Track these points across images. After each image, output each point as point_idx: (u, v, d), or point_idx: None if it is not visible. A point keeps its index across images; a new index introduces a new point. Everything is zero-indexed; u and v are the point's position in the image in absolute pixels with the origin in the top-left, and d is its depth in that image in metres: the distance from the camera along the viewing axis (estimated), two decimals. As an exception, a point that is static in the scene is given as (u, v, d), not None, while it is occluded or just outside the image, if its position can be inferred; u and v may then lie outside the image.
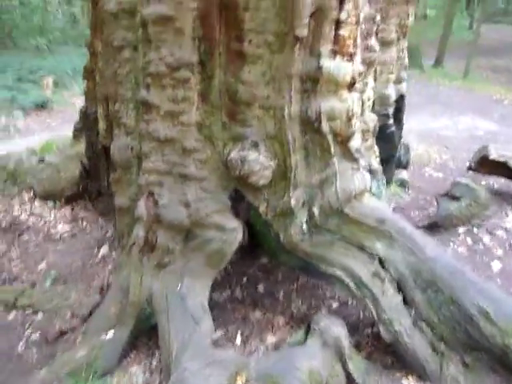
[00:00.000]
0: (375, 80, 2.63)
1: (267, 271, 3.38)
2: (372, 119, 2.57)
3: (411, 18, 2.71)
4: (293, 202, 2.39)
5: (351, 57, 2.31)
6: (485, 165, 4.22)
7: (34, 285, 3.02)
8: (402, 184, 4.43)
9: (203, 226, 2.40)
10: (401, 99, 3.01)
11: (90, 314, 2.60)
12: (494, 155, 4.06)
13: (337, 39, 2.26)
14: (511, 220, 3.92)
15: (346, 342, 2.18)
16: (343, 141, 2.39)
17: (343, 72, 2.28)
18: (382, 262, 2.32)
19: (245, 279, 3.31)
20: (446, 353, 2.12)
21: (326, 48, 2.25)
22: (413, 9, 2.82)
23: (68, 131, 4.65)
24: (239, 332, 2.72)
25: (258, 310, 2.97)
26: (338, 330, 2.18)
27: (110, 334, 2.34)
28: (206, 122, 2.42)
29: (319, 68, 2.24)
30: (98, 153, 3.25)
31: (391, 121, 2.98)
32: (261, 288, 3.20)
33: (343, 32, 2.25)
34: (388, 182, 3.36)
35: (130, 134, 2.64)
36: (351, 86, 2.32)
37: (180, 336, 2.16)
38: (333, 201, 2.35)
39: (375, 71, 2.62)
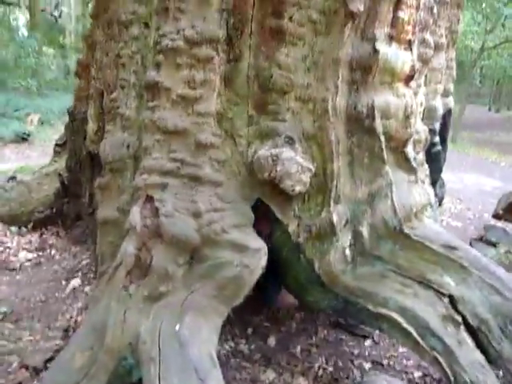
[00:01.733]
0: (425, 86, 2.26)
1: (277, 320, 2.73)
2: (424, 129, 2.13)
3: (461, 25, 2.43)
4: (334, 219, 1.84)
5: (409, 45, 1.91)
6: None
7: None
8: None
9: (217, 244, 1.80)
10: (448, 115, 2.63)
11: (47, 364, 1.87)
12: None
13: (395, 22, 1.87)
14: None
15: (415, 415, 1.53)
16: (398, 146, 1.91)
17: (402, 61, 1.87)
18: (454, 303, 1.74)
19: (250, 330, 2.63)
20: None
21: (381, 31, 1.86)
22: (462, 14, 2.55)
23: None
24: (249, 398, 2.02)
25: (270, 368, 2.28)
26: (405, 397, 1.54)
27: (72, 394, 1.62)
28: (227, 113, 1.92)
29: (374, 54, 1.83)
30: (82, 161, 2.68)
31: (437, 138, 2.56)
32: (272, 341, 2.53)
33: (403, 15, 1.87)
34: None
35: (127, 129, 2.11)
36: (410, 78, 1.90)
37: (177, 399, 1.47)
38: (388, 218, 1.81)
39: (426, 76, 2.25)
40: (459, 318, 1.70)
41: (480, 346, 1.67)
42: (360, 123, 1.88)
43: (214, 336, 1.74)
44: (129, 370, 1.76)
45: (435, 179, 2.59)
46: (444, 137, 2.65)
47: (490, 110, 26.58)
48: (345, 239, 1.88)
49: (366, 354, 2.47)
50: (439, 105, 2.51)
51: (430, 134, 2.35)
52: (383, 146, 1.87)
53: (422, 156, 2.18)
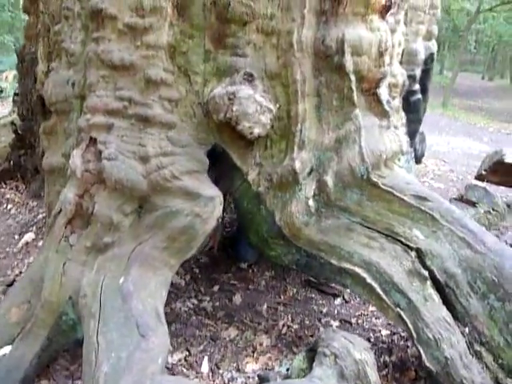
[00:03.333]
0: (406, 25, 2.05)
1: (246, 278, 2.62)
2: (401, 73, 1.94)
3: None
4: (297, 167, 1.68)
5: (387, -28, 1.69)
6: (498, 171, 3.69)
7: None
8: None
9: (167, 191, 1.63)
10: (430, 60, 2.42)
11: (-14, 319, 1.73)
12: (510, 159, 3.53)
13: None
14: (532, 234, 3.34)
15: (373, 372, 1.43)
16: (370, 87, 1.73)
17: (377, -11, 1.65)
18: (421, 257, 1.62)
19: (216, 287, 2.52)
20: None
21: (355, -47, 1.63)
22: None
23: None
24: (207, 355, 1.92)
25: (233, 326, 2.18)
26: (363, 355, 1.43)
27: (5, 350, 1.49)
28: (181, 47, 1.71)
29: (345, -21, 1.61)
30: (34, 107, 2.45)
31: (417, 86, 2.37)
32: (237, 299, 2.42)
33: None
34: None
35: (73, 66, 1.88)
36: (386, 10, 1.69)
37: (114, 356, 1.35)
38: (355, 165, 1.65)
39: (406, 14, 2.03)
40: (426, 273, 1.58)
41: (447, 302, 1.56)
42: (329, 60, 1.68)
43: (162, 290, 1.61)
44: (72, 325, 1.63)
45: (414, 130, 2.43)
46: (425, 85, 2.46)
47: (483, 78, 26.20)
48: (308, 189, 1.72)
49: (335, 312, 2.38)
50: (420, 48, 2.29)
51: (410, 80, 2.16)
52: (353, 87, 1.69)
53: (398, 102, 2.00)
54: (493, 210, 3.21)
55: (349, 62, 1.66)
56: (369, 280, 1.63)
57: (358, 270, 1.66)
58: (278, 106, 1.69)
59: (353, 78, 1.68)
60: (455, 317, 1.56)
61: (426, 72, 2.42)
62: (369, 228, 1.69)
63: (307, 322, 2.25)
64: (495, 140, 7.47)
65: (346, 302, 2.48)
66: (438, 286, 1.59)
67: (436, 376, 1.49)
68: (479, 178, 3.92)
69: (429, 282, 1.58)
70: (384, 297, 1.60)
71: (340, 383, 1.39)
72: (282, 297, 2.48)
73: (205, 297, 2.41)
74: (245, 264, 2.69)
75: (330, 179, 1.70)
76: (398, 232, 1.65)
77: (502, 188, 3.93)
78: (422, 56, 2.30)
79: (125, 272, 1.58)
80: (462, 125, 8.76)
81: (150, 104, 1.67)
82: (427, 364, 1.49)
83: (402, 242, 1.64)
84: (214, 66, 1.71)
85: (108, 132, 1.66)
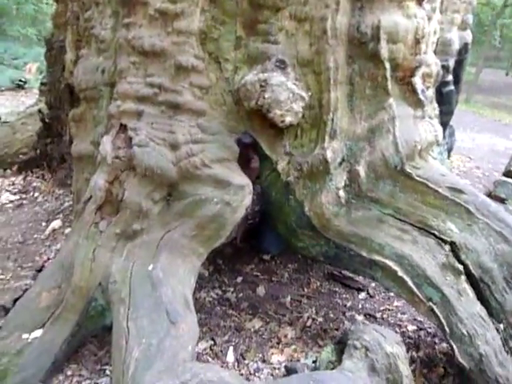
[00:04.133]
0: (441, 14, 1.98)
1: (269, 270, 2.60)
2: (436, 62, 1.88)
3: None
4: (328, 155, 1.65)
5: (425, -44, 1.64)
6: (528, 168, 3.59)
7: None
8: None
9: (197, 179, 1.62)
10: (464, 51, 2.35)
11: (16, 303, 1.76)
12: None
13: None
14: None
15: (404, 366, 1.40)
16: (405, 76, 1.68)
17: (415, -27, 1.60)
18: (456, 251, 1.57)
19: (240, 279, 2.51)
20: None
21: None
22: None
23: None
24: (232, 345, 1.91)
25: (257, 317, 2.17)
26: (395, 349, 1.40)
27: (36, 334, 1.51)
28: (212, 33, 1.69)
29: (383, -37, 1.56)
30: (61, 95, 2.47)
31: (450, 77, 2.30)
32: (261, 290, 2.40)
33: None
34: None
35: (102, 52, 1.88)
36: (424, -4, 1.64)
37: (145, 342, 1.35)
38: (388, 156, 1.61)
39: (442, 2, 1.97)
40: (460, 267, 1.54)
41: (482, 297, 1.52)
42: (363, 47, 1.64)
43: (191, 278, 1.60)
44: (101, 311, 1.64)
45: (445, 122, 2.36)
46: (458, 76, 2.39)
47: (507, 74, 25.48)
48: (339, 179, 1.69)
49: (360, 306, 2.34)
50: (455, 38, 2.22)
51: (443, 70, 2.09)
52: (388, 75, 1.64)
53: (431, 93, 1.94)
54: (523, 205, 3.12)
55: (384, 50, 1.62)
56: (400, 273, 1.59)
57: (389, 262, 1.62)
58: (309, 93, 1.66)
59: (387, 65, 1.63)
60: (490, 313, 1.51)
61: (460, 63, 2.34)
62: (401, 220, 1.65)
63: (332, 316, 2.22)
64: (521, 136, 7.26)
65: (371, 296, 2.44)
66: (473, 281, 1.54)
67: (469, 373, 1.45)
68: (507, 174, 3.82)
69: (463, 277, 1.53)
70: (416, 290, 1.56)
71: (371, 377, 1.36)
72: (306, 289, 2.45)
73: (228, 288, 2.40)
74: (268, 256, 2.68)
75: (361, 169, 1.67)
76: (432, 225, 1.60)
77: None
78: (456, 46, 2.23)
79: (154, 259, 1.58)
80: (487, 121, 8.53)
81: (180, 90, 1.66)
82: (460, 360, 1.45)
83: (435, 235, 1.60)
84: (246, 53, 1.68)
85: (138, 118, 1.66)
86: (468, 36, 2.39)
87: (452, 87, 2.34)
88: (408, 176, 1.61)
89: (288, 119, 1.61)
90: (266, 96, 1.56)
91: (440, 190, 1.59)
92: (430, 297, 1.53)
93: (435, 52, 2.05)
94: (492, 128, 7.63)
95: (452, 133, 2.83)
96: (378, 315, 2.27)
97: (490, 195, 3.18)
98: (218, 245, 1.67)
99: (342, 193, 1.69)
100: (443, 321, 1.49)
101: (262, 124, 1.67)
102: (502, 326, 1.48)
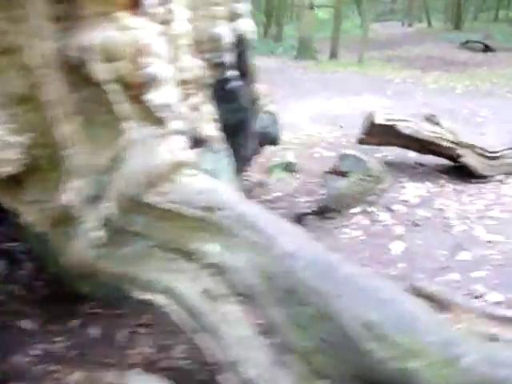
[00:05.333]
0: (192, 10, 1.84)
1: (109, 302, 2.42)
2: (197, 65, 1.76)
3: None
4: (71, 197, 1.48)
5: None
6: (374, 133, 3.68)
7: None
8: (288, 168, 3.76)
9: None
10: (241, 43, 2.24)
11: None
12: (379, 119, 3.52)
13: None
14: (410, 192, 3.39)
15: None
16: (138, 94, 1.53)
17: (114, -20, 1.44)
18: (218, 272, 1.49)
19: (77, 322, 2.31)
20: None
21: None
22: None
23: None
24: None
25: (83, 367, 1.99)
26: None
27: None
28: None
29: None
30: None
31: (231, 73, 2.19)
32: (96, 331, 2.22)
33: None
34: (246, 159, 2.59)
35: None
36: (134, 4, 1.48)
37: None
38: (127, 188, 1.47)
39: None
40: (223, 289, 1.46)
41: (247, 316, 1.45)
42: (80, 72, 1.46)
43: None
44: None
45: (239, 120, 2.27)
46: (242, 69, 2.28)
47: (402, 25, 26.72)
48: (93, 218, 1.53)
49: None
50: (224, 32, 2.11)
51: (219, 68, 1.98)
52: (116, 97, 1.48)
53: (200, 98, 1.82)
54: (366, 175, 3.19)
55: (102, 71, 1.45)
56: (171, 308, 1.49)
57: (159, 298, 1.51)
58: (33, 134, 1.47)
59: (110, 87, 1.47)
60: (263, 330, 1.45)
61: (240, 55, 2.25)
62: (166, 250, 1.54)
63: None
64: (398, 92, 7.58)
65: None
66: (239, 300, 1.47)
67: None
68: (361, 142, 3.91)
69: (228, 298, 1.46)
70: (185, 323, 1.46)
71: None
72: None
73: (58, 337, 2.19)
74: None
75: (113, 205, 1.52)
76: (192, 249, 1.50)
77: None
78: (226, 40, 2.12)
79: None
80: (370, 80, 8.81)
81: None
82: (230, 389, 1.38)
83: (198, 260, 1.50)
84: None
85: None
86: (242, 26, 2.27)
87: (239, 82, 2.24)
88: (150, 206, 1.48)
89: (7, 169, 1.41)
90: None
91: (192, 212, 1.49)
92: (196, 327, 1.44)
93: (203, 51, 1.94)
94: (372, 87, 7.88)
95: (274, 121, 2.77)
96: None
97: (334, 171, 3.22)
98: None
99: (99, 233, 1.54)
100: (210, 350, 1.41)
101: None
102: (276, 340, 1.42)
